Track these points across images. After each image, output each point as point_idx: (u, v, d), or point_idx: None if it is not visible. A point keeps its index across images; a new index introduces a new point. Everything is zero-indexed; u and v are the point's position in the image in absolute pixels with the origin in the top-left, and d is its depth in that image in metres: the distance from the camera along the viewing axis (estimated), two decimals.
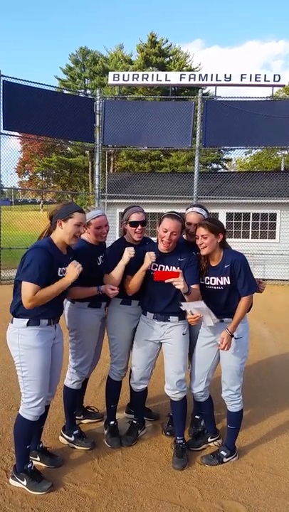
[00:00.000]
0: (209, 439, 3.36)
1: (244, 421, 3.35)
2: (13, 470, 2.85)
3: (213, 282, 3.08)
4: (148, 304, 3.22)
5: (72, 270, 2.71)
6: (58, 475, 2.92)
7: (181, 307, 3.00)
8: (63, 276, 2.75)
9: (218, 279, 3.06)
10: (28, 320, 2.67)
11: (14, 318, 2.71)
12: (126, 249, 3.14)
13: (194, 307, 2.90)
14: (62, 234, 2.77)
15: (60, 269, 2.74)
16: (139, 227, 3.24)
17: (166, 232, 3.02)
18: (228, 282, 3.03)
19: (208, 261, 3.11)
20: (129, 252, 3.11)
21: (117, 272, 3.15)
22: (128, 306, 3.31)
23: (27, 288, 2.58)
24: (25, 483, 2.77)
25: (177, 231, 3.03)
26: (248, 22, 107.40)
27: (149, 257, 3.05)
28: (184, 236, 3.38)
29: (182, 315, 3.12)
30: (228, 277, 3.02)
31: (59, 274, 2.74)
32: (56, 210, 2.82)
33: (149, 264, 3.06)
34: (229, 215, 12.91)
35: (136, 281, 3.11)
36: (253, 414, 3.92)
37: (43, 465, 3.00)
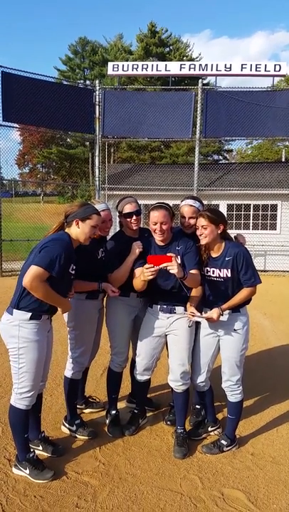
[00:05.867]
0: (210, 429, 3.38)
1: (244, 410, 3.37)
2: (15, 459, 2.89)
3: (213, 274, 3.08)
4: (152, 295, 3.23)
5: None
6: (60, 464, 2.96)
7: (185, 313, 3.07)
8: (72, 273, 2.78)
9: (218, 270, 3.05)
10: (30, 314, 2.68)
11: (15, 310, 2.70)
12: (134, 244, 3.14)
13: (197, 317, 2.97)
14: (78, 233, 2.79)
15: (71, 265, 2.76)
16: (134, 217, 3.24)
17: (156, 224, 3.03)
18: (229, 275, 3.03)
19: (209, 252, 3.11)
20: (138, 247, 3.12)
21: (126, 268, 3.14)
22: (127, 297, 3.31)
23: (34, 269, 2.54)
24: (27, 471, 2.80)
25: (166, 220, 3.03)
26: (257, 12, 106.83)
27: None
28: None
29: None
30: (229, 270, 3.02)
31: (70, 271, 2.75)
32: (73, 209, 2.83)
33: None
34: (230, 207, 12.88)
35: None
36: (253, 403, 3.95)
37: (46, 454, 3.03)
